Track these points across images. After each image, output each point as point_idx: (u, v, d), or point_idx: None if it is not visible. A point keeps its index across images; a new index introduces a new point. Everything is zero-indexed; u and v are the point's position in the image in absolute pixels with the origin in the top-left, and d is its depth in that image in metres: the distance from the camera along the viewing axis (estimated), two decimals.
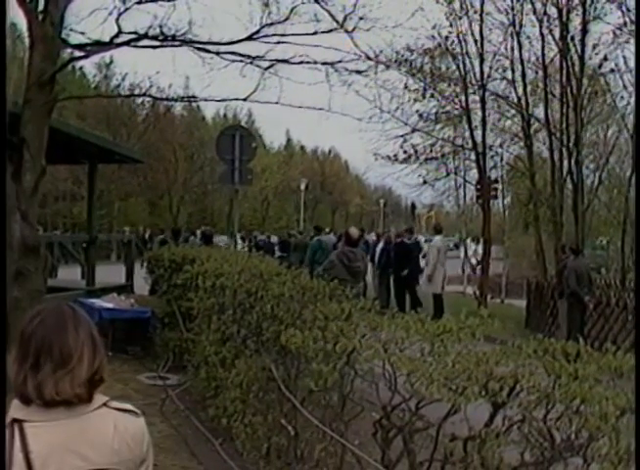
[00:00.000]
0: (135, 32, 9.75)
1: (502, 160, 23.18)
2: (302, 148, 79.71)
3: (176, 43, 9.99)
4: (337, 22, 10.87)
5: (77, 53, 9.89)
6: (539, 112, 20.15)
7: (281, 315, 4.87)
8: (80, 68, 51.78)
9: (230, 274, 6.34)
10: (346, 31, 11.16)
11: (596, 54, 18.61)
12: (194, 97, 14.33)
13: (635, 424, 2.43)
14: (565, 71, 17.83)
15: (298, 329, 4.21)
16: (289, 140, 78.86)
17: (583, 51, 17.89)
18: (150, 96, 18.14)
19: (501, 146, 22.69)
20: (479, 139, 19.28)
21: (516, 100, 19.64)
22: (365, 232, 27.72)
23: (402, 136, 21.26)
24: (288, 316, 4.78)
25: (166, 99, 27.16)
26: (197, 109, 61.00)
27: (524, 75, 19.08)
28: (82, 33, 9.74)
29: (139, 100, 48.37)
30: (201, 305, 7.19)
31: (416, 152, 21.39)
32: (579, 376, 2.70)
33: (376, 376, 3.63)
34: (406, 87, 20.18)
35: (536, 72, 19.80)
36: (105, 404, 2.04)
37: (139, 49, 10.06)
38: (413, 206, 61.48)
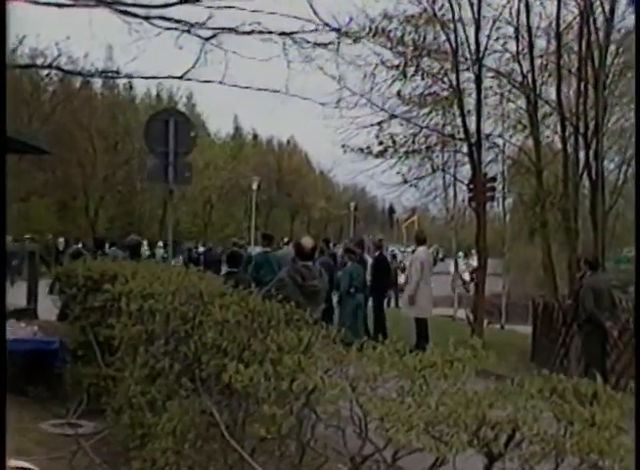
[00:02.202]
0: None
1: (503, 152, 23.31)
2: (255, 138, 79.68)
3: (91, 3, 9.88)
4: None
5: None
6: (550, 92, 20.33)
7: (225, 346, 4.87)
8: None
9: (161, 295, 6.32)
10: None
11: (631, 13, 18.58)
12: (116, 72, 14.20)
13: (635, 426, 2.46)
14: (585, 39, 17.88)
15: (246, 363, 4.20)
16: (237, 128, 78.82)
17: (613, 10, 17.79)
18: (58, 68, 17.82)
19: (501, 135, 22.83)
20: (472, 127, 19.07)
21: (520, 78, 19.78)
22: (331, 243, 27.73)
23: (378, 124, 21.23)
24: (233, 347, 4.79)
25: (80, 73, 26.77)
26: (128, 88, 60.52)
27: (531, 47, 19.20)
28: None
29: (44, 72, 47.60)
30: (124, 334, 7.13)
31: (395, 143, 21.33)
32: (597, 423, 2.72)
33: (342, 420, 3.64)
34: (383, 63, 20.19)
35: (548, 42, 19.91)
36: None
37: (41, 7, 9.91)
38: (391, 209, 61.90)
